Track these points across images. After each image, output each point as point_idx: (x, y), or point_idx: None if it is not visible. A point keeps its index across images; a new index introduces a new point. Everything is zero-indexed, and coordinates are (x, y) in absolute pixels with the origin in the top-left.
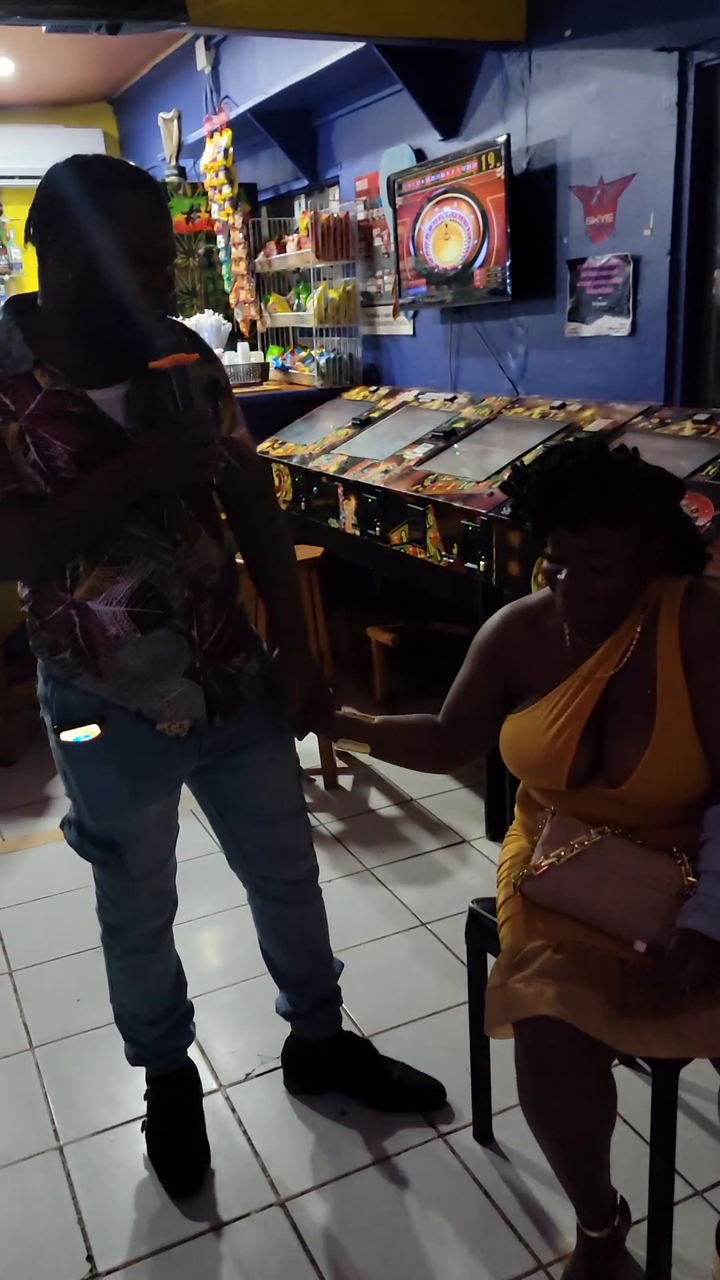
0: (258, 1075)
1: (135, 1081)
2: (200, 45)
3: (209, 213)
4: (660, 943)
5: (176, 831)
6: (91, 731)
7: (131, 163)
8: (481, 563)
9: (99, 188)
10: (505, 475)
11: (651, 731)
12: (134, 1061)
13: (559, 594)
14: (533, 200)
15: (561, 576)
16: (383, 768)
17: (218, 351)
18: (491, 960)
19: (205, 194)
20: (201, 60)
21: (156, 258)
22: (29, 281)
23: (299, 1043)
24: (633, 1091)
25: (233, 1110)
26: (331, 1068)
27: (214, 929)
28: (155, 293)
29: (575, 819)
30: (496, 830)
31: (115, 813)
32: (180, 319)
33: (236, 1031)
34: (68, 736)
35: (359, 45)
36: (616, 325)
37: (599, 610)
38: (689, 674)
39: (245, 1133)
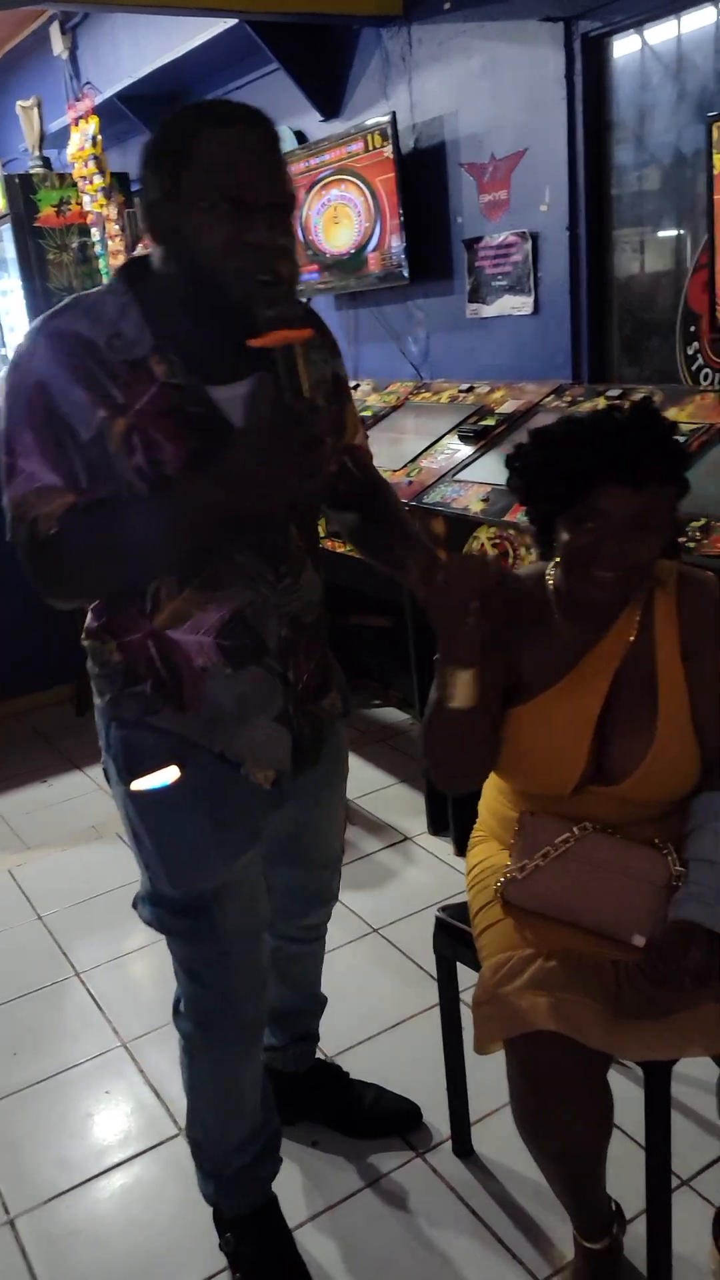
0: None
1: (87, 1136)
2: (55, 29)
3: (80, 205)
4: (656, 937)
5: (266, 896)
6: (169, 776)
7: (239, 102)
8: None
9: (179, 130)
10: (421, 463)
11: (655, 727)
12: (212, 1199)
13: (589, 564)
14: (423, 180)
15: (596, 544)
16: None
17: None
18: (462, 969)
19: (75, 185)
20: (58, 45)
21: (254, 204)
22: None
23: (271, 1074)
24: (616, 1085)
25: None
26: (303, 1098)
27: (147, 960)
28: (256, 251)
29: (553, 817)
30: (438, 824)
31: (201, 867)
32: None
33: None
34: (141, 785)
35: (230, 23)
36: (519, 304)
37: (629, 584)
38: (687, 662)
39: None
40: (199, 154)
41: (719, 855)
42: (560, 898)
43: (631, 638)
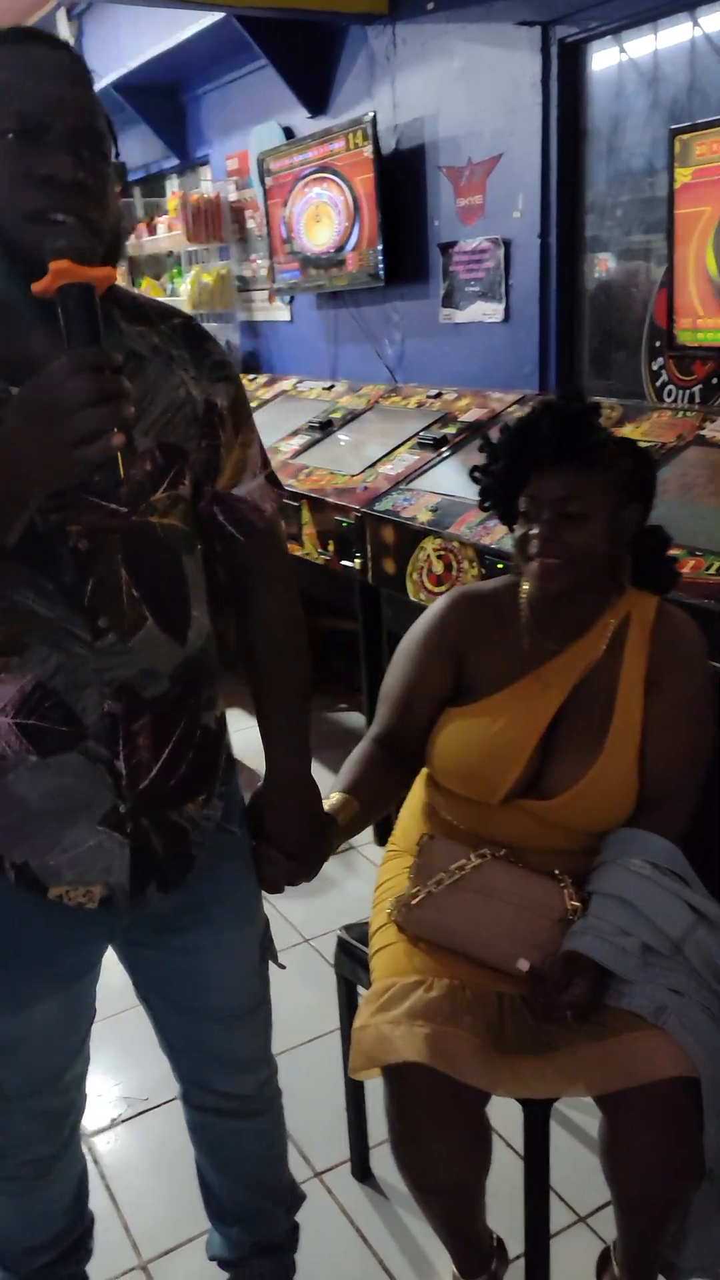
0: (124, 1121)
1: None
2: (62, 15)
3: None
4: (543, 967)
5: (88, 1020)
6: None
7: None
8: (357, 560)
9: None
10: (379, 468)
11: (600, 750)
12: None
13: (534, 554)
14: (403, 181)
15: (535, 532)
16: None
17: None
18: (363, 992)
19: None
20: (64, 31)
21: (49, 130)
22: None
23: None
24: (511, 1111)
25: (95, 1162)
26: None
27: None
28: (50, 186)
29: (454, 842)
30: (385, 835)
31: None
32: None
33: (100, 1070)
34: None
35: (219, 16)
36: (490, 311)
37: (574, 573)
38: (648, 693)
39: (107, 1187)
40: None
41: (625, 891)
42: (451, 926)
43: (598, 656)
